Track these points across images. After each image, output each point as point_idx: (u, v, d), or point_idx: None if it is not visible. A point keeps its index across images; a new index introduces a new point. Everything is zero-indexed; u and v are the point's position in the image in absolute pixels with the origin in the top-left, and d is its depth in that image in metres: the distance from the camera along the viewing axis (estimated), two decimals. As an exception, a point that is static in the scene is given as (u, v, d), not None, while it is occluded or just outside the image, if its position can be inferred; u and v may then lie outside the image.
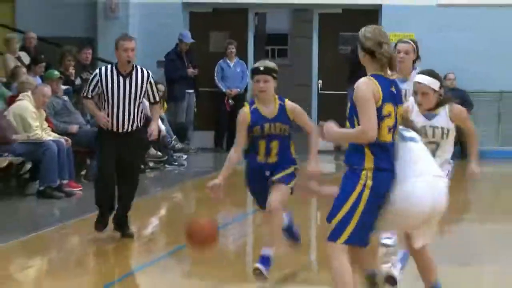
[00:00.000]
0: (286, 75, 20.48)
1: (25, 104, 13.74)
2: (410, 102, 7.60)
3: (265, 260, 7.83)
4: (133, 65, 9.85)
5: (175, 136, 18.06)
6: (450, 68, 19.27)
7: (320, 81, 21.48)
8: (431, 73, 7.60)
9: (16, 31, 18.90)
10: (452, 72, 19.26)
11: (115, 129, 9.87)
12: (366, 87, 6.58)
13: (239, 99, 19.86)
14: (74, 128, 14.61)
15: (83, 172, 15.09)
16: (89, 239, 10.18)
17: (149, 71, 10.10)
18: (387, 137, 6.59)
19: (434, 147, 7.47)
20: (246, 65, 20.67)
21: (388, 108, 6.63)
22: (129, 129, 9.90)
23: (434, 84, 7.51)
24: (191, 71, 19.59)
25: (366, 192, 6.45)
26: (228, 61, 20.30)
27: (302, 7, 21.77)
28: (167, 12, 20.65)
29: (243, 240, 9.97)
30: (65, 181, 13.67)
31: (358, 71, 22.02)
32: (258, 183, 8.19)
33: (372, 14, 20.40)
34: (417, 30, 19.40)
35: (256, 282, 7.34)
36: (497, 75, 19.59)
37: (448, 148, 7.70)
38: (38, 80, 15.49)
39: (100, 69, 9.91)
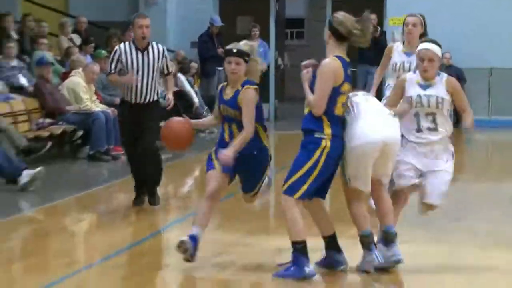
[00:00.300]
0: (303, 54, 20.35)
1: (77, 80, 13.75)
2: (407, 74, 7.17)
3: (194, 238, 6.84)
4: (148, 42, 9.45)
5: (207, 107, 17.99)
6: (446, 48, 19.00)
7: None
8: (435, 42, 7.07)
9: (69, 16, 18.87)
10: (448, 52, 18.97)
11: (133, 101, 9.45)
12: (330, 69, 6.67)
13: (262, 75, 19.85)
14: (118, 100, 14.61)
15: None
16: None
17: (164, 47, 9.71)
18: (340, 111, 6.72)
19: (431, 118, 6.95)
20: (268, 46, 20.54)
21: (346, 87, 6.74)
22: (147, 100, 9.47)
23: (439, 52, 7.01)
24: (220, 50, 19.48)
25: (324, 156, 6.58)
26: (254, 40, 20.21)
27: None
28: None
29: (267, 198, 9.90)
30: (111, 146, 13.67)
31: (364, 50, 22.01)
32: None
33: (378, 1, 20.26)
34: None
35: (283, 234, 7.07)
36: (487, 54, 19.48)
37: (445, 121, 6.99)
38: (88, 58, 15.49)
39: (119, 46, 9.57)
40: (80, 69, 14.05)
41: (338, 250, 6.94)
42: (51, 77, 14.12)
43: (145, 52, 9.40)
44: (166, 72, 9.65)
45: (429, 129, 6.90)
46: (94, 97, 14.15)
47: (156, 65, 9.45)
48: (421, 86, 6.94)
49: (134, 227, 8.99)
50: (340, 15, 6.87)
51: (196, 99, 17.75)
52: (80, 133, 13.97)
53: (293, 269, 6.68)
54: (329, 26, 6.74)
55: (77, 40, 16.89)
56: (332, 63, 6.66)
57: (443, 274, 7.03)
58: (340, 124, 6.73)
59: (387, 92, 9.23)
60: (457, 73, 18.90)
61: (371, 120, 6.77)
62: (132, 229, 8.85)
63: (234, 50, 6.97)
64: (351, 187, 6.83)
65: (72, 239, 7.93)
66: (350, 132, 6.75)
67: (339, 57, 6.70)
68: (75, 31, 17.44)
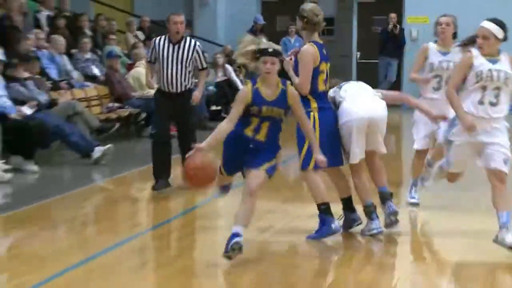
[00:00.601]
0: (332, 48, 20.20)
1: (140, 70, 13.72)
2: (472, 50, 6.37)
3: (236, 235, 5.95)
4: (182, 36, 8.90)
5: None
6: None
7: (358, 53, 21.23)
8: (497, 22, 6.32)
9: (134, 16, 18.90)
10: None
11: (167, 90, 8.86)
12: (308, 53, 6.72)
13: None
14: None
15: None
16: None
17: (197, 42, 9.08)
18: (322, 87, 6.77)
19: (496, 93, 6.29)
20: (303, 41, 20.31)
21: (323, 66, 6.79)
22: (180, 90, 8.87)
23: (497, 31, 6.25)
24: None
25: (317, 127, 6.58)
26: (290, 38, 20.11)
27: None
28: (245, 0, 20.54)
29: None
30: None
31: (385, 45, 21.48)
32: (236, 150, 6.20)
33: (398, 2, 20.06)
34: (430, 13, 18.84)
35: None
36: None
37: (506, 99, 6.36)
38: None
39: (155, 39, 9.04)
40: (143, 61, 14.06)
41: (353, 210, 6.94)
42: (119, 68, 14.15)
43: (178, 45, 8.85)
44: (200, 67, 9.06)
45: (491, 104, 6.31)
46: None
47: (187, 57, 8.86)
48: (489, 60, 6.31)
49: (187, 196, 9.00)
50: (308, 6, 6.94)
51: (241, 87, 17.74)
52: (143, 115, 13.94)
53: (323, 229, 6.70)
54: (302, 17, 6.80)
55: (141, 36, 16.90)
56: (309, 48, 6.73)
57: (450, 237, 6.97)
58: (325, 98, 6.78)
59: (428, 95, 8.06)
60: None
61: (357, 100, 6.77)
62: (185, 198, 8.83)
63: (270, 50, 6.09)
64: (349, 163, 6.86)
65: (136, 205, 7.95)
66: (340, 112, 6.79)
67: (314, 42, 6.79)
68: (140, 28, 17.45)
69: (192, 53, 8.89)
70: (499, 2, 19.03)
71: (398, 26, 19.48)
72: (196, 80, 9.38)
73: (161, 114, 8.97)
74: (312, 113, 6.61)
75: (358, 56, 21.11)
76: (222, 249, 5.99)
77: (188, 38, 8.97)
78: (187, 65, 8.87)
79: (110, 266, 6.13)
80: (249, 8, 20.23)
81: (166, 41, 8.88)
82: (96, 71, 13.94)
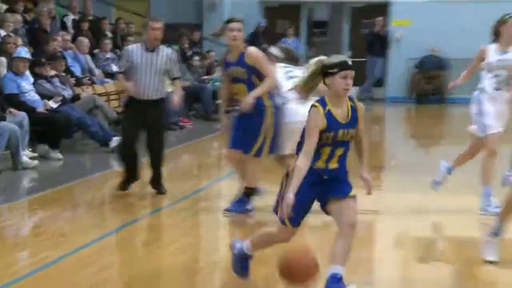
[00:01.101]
0: (326, 48, 20.27)
1: None
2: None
3: (338, 279, 4.47)
4: (158, 44, 7.78)
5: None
6: (437, 43, 18.91)
7: (349, 52, 21.22)
8: None
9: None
10: (438, 46, 18.85)
11: (140, 97, 7.72)
12: (262, 54, 7.00)
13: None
14: (186, 83, 14.63)
15: (191, 112, 15.08)
16: (197, 155, 10.09)
17: (172, 50, 8.09)
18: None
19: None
20: (300, 41, 20.26)
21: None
22: (153, 98, 7.74)
23: None
24: (265, 46, 19.41)
25: (271, 121, 6.85)
26: (287, 39, 20.09)
27: (337, 1, 21.62)
28: (249, 6, 20.51)
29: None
30: (180, 118, 13.67)
31: (372, 45, 21.35)
32: (311, 192, 4.55)
33: (384, 7, 19.99)
34: (416, 18, 19.09)
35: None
36: (466, 47, 19.12)
37: None
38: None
39: (128, 48, 7.98)
40: None
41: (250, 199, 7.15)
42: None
43: (154, 53, 7.73)
44: (172, 76, 7.92)
45: None
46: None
47: (161, 66, 7.74)
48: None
49: (195, 179, 9.00)
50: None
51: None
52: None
53: (239, 205, 7.05)
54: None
55: None
56: (258, 51, 7.05)
57: (414, 217, 6.91)
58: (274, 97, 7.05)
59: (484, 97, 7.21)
60: (442, 61, 18.84)
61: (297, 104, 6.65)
62: (193, 182, 8.86)
63: (350, 62, 4.51)
64: (279, 155, 7.05)
65: (149, 188, 7.92)
66: (285, 111, 6.96)
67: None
68: None
69: (166, 62, 7.80)
70: (459, 8, 19.06)
71: (384, 28, 19.49)
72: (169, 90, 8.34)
73: (129, 121, 7.88)
74: (268, 110, 6.87)
75: (349, 55, 20.91)
76: (227, 227, 6.04)
77: (164, 47, 7.90)
78: (162, 73, 7.81)
79: (123, 241, 6.16)
80: (253, 12, 20.17)
81: (140, 49, 7.77)
82: (115, 68, 13.90)
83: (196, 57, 16.24)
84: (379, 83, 19.93)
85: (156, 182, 7.95)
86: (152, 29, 7.74)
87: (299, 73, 6.72)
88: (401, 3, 19.53)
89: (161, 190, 7.94)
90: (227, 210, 7.07)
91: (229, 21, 7.04)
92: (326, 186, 4.56)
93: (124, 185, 7.97)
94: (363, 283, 5.00)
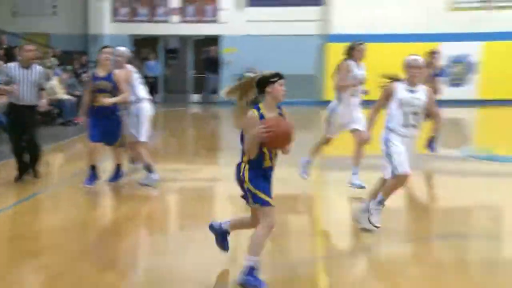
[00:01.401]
0: (177, 68, 22.65)
1: (53, 82, 14.65)
2: None
3: (254, 269, 4.82)
4: (33, 62, 8.69)
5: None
6: (254, 64, 19.73)
7: (193, 71, 22.67)
8: None
9: (50, 47, 18.83)
10: (256, 66, 18.73)
11: (19, 104, 8.68)
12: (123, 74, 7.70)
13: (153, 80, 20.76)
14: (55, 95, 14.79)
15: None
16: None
17: (42, 69, 8.81)
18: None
19: None
20: (158, 63, 21.59)
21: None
22: (27, 103, 8.68)
23: None
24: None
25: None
26: (150, 61, 21.27)
27: (184, 35, 22.66)
28: (122, 38, 20.67)
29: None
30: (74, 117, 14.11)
31: (209, 65, 25.27)
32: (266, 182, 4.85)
33: (217, 39, 21.84)
34: (239, 47, 21.31)
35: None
36: (275, 67, 18.86)
37: None
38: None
39: (8, 64, 8.85)
40: (54, 76, 15.01)
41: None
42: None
43: (28, 70, 8.63)
44: (41, 87, 8.72)
45: None
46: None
47: (35, 80, 8.66)
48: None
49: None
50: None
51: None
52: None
53: (89, 180, 8.07)
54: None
55: (54, 62, 17.04)
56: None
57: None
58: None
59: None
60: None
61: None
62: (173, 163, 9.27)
63: (281, 73, 4.77)
64: (138, 142, 8.03)
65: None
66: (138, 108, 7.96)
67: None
68: (53, 56, 17.41)
69: (39, 77, 8.68)
70: (275, 41, 20.90)
71: (217, 53, 21.72)
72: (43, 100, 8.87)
73: (12, 121, 8.73)
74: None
75: (193, 72, 22.93)
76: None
77: (37, 65, 8.74)
78: (35, 85, 8.65)
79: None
80: (124, 43, 19.13)
81: (17, 66, 8.62)
82: None
83: (84, 74, 16.99)
84: (214, 91, 21.82)
85: (34, 169, 8.86)
86: (26, 51, 8.58)
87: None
88: (229, 36, 21.63)
89: (37, 175, 8.88)
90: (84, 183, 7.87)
91: (104, 47, 8.26)
92: (269, 185, 4.81)
93: (20, 177, 8.78)
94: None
